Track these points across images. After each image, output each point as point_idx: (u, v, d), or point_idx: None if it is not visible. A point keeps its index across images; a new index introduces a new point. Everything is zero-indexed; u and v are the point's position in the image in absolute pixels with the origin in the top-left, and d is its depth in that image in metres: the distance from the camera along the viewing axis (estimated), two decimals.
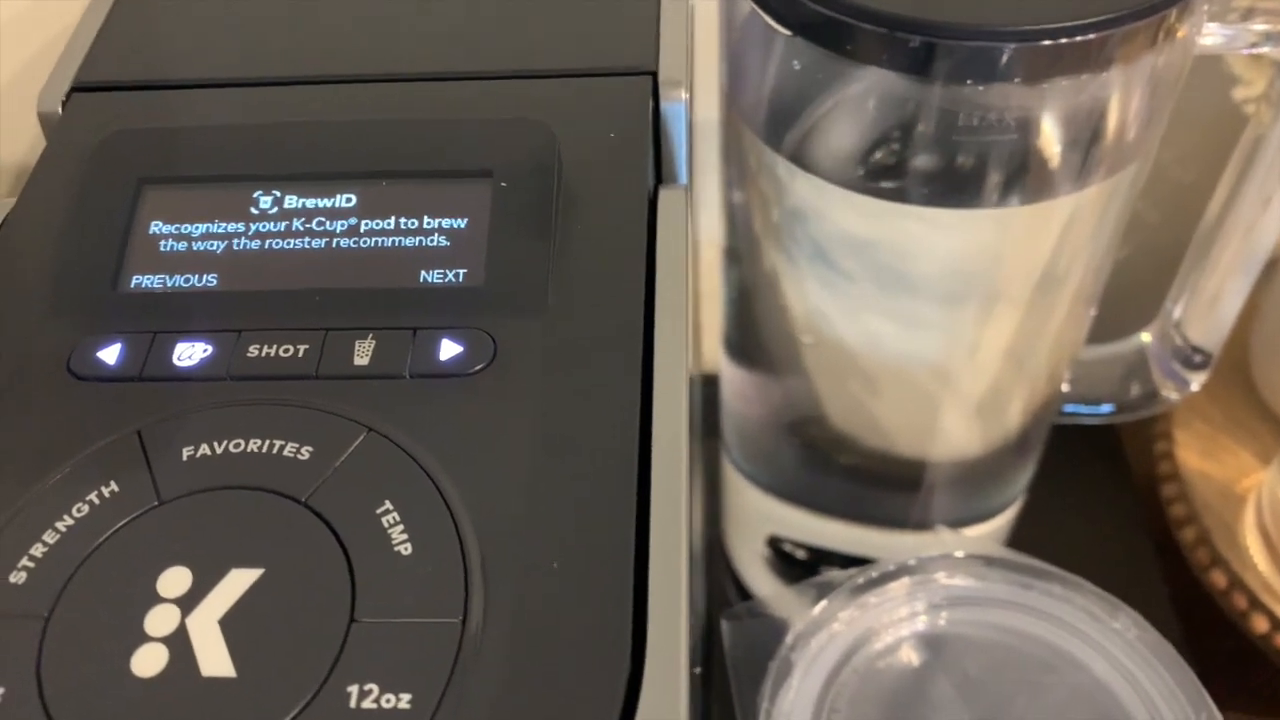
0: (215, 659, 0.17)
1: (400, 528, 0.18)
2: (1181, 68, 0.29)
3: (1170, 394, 0.39)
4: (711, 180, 0.35)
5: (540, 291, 0.21)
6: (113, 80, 0.24)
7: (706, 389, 0.44)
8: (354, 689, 0.16)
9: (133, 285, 0.21)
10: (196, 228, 0.22)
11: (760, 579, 0.46)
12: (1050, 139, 0.28)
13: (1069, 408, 0.41)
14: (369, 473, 0.19)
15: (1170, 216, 0.50)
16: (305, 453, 0.19)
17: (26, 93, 0.26)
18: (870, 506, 0.41)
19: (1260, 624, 0.47)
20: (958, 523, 0.41)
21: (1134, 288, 0.41)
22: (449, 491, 0.18)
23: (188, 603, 0.17)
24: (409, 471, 0.19)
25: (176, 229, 0.22)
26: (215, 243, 0.22)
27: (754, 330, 0.37)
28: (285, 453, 0.19)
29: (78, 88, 0.25)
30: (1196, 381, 0.39)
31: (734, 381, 0.40)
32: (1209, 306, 0.37)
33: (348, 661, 0.17)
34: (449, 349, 0.20)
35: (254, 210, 0.22)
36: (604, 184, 0.22)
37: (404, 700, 0.16)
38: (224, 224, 0.22)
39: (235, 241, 0.22)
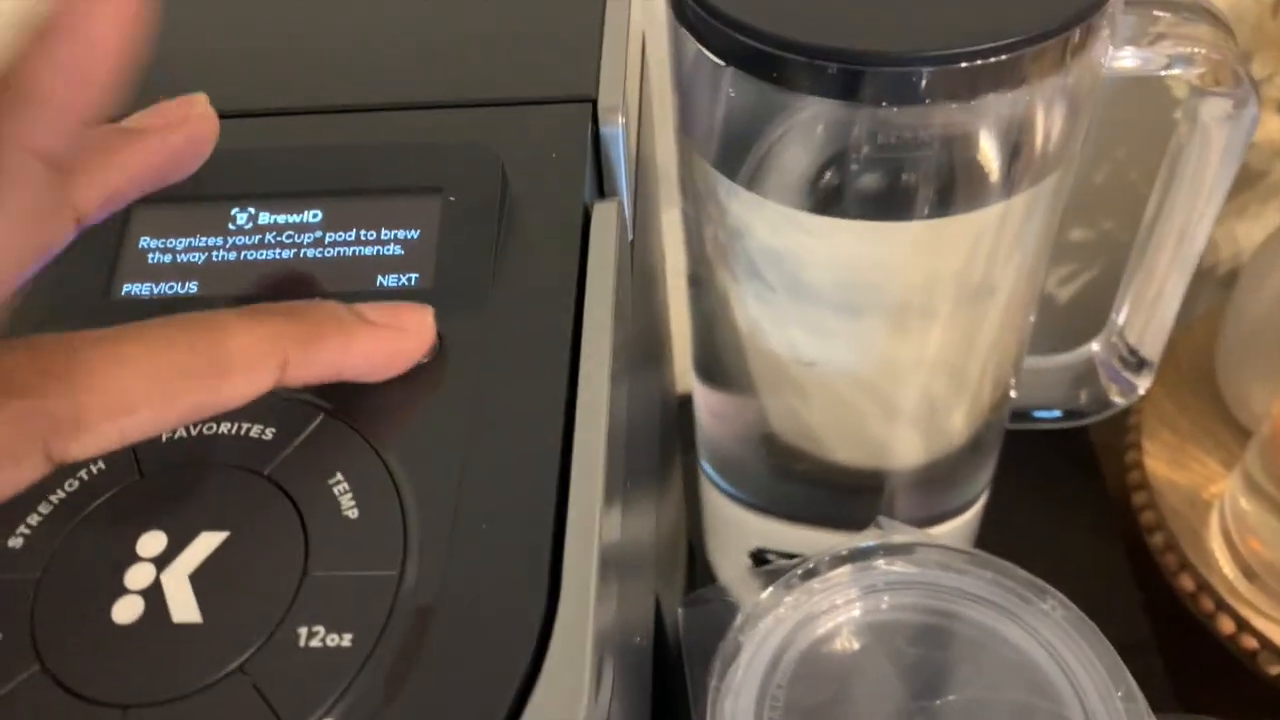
0: (185, 608, 0.19)
1: (349, 496, 0.21)
2: (1093, 85, 0.31)
3: (1117, 398, 0.41)
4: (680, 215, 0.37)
5: (482, 293, 0.23)
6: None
7: (681, 409, 0.46)
8: (303, 630, 0.19)
9: (123, 293, 0.24)
10: (180, 241, 0.25)
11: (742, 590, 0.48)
12: (970, 154, 0.30)
13: (1022, 413, 0.43)
14: (324, 449, 0.21)
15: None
16: (269, 433, 0.21)
17: None
18: (842, 512, 0.43)
19: (1227, 625, 0.49)
20: (924, 522, 0.43)
21: (1106, 306, 0.43)
22: (394, 465, 0.21)
23: (163, 561, 0.20)
24: (359, 448, 0.21)
25: (163, 243, 0.25)
26: (197, 254, 0.24)
27: (716, 350, 0.39)
28: (251, 434, 0.21)
29: None
30: (1142, 385, 0.41)
31: (705, 401, 0.43)
32: (1149, 311, 0.39)
33: (300, 608, 0.19)
34: None
35: (231, 226, 0.25)
36: (543, 199, 0.25)
37: (346, 639, 0.19)
38: (204, 238, 0.25)
39: (214, 254, 0.24)
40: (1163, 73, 0.33)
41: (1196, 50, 0.32)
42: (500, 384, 0.22)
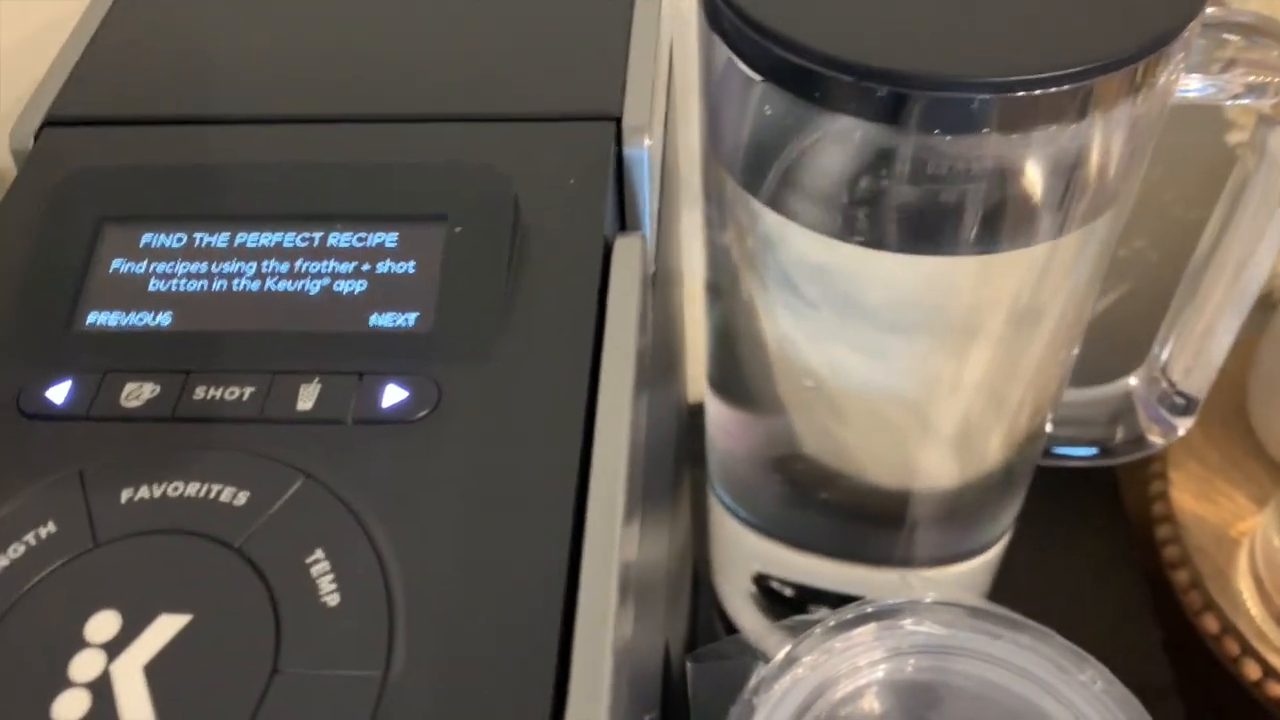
0: (137, 707, 0.17)
1: (330, 577, 0.18)
2: (1159, 115, 0.29)
3: (1156, 439, 0.39)
4: (699, 215, 0.35)
5: (488, 339, 0.21)
6: (83, 115, 0.25)
7: (693, 420, 0.44)
8: None
9: (88, 323, 0.22)
10: (154, 266, 0.22)
11: (747, 616, 0.46)
12: (1023, 188, 0.28)
13: (1055, 449, 0.40)
14: (303, 520, 0.19)
15: (1171, 255, 0.50)
16: (241, 498, 0.19)
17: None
18: (856, 544, 0.41)
19: (1252, 671, 0.47)
20: (943, 560, 0.41)
21: (1133, 326, 0.41)
22: (381, 542, 0.18)
23: (114, 648, 0.17)
24: (342, 520, 0.19)
25: (133, 267, 0.22)
26: (171, 282, 0.22)
27: (735, 364, 0.37)
28: (222, 497, 0.19)
29: (49, 122, 0.25)
30: (1183, 427, 0.39)
31: (718, 417, 0.40)
32: (1197, 348, 0.37)
33: (267, 713, 0.17)
34: (393, 395, 0.20)
35: (210, 250, 0.22)
36: (560, 231, 0.22)
37: None
38: (181, 263, 0.22)
39: (190, 281, 0.22)
40: (1230, 102, 0.30)
41: (1269, 79, 0.29)
42: (506, 444, 0.20)
